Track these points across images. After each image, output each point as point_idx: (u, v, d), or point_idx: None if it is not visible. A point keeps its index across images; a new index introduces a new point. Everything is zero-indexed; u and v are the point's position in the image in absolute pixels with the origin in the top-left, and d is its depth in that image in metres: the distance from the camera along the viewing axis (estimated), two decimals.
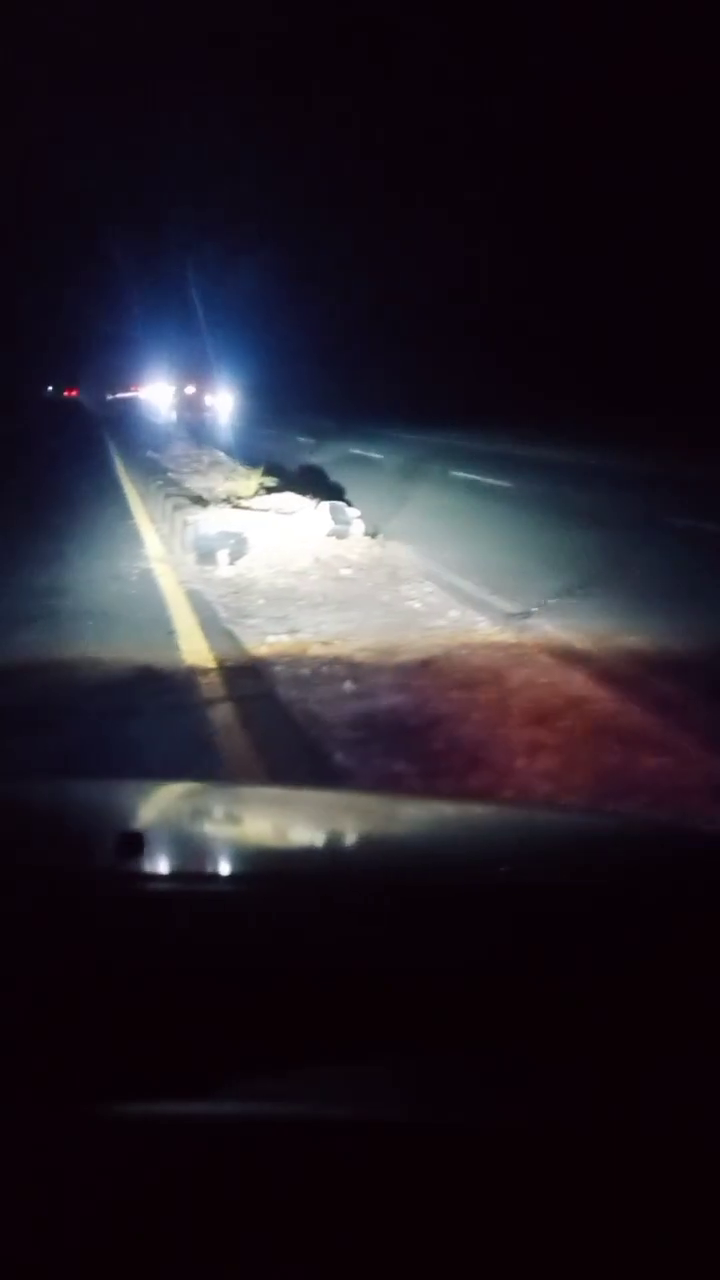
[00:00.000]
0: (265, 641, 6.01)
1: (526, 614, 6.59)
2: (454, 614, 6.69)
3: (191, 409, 32.96)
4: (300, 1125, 0.70)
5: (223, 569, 8.04)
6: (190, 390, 34.99)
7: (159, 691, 4.97)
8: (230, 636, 6.17)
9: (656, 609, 6.67)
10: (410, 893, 1.02)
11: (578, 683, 5.18)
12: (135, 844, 1.04)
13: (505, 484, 15.23)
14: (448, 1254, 0.62)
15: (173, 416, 32.75)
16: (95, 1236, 0.63)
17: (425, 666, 5.60)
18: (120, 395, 50.64)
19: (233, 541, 8.36)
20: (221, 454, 18.95)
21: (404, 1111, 0.73)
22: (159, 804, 1.54)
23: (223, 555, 8.17)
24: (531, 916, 0.97)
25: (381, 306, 32.11)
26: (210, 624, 6.47)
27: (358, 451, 19.82)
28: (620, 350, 22.55)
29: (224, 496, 11.10)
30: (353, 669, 5.47)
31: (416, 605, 6.98)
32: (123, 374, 50.64)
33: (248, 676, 5.38)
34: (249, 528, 8.89)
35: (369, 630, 6.25)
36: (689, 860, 1.21)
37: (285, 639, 6.07)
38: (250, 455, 16.62)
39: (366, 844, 1.37)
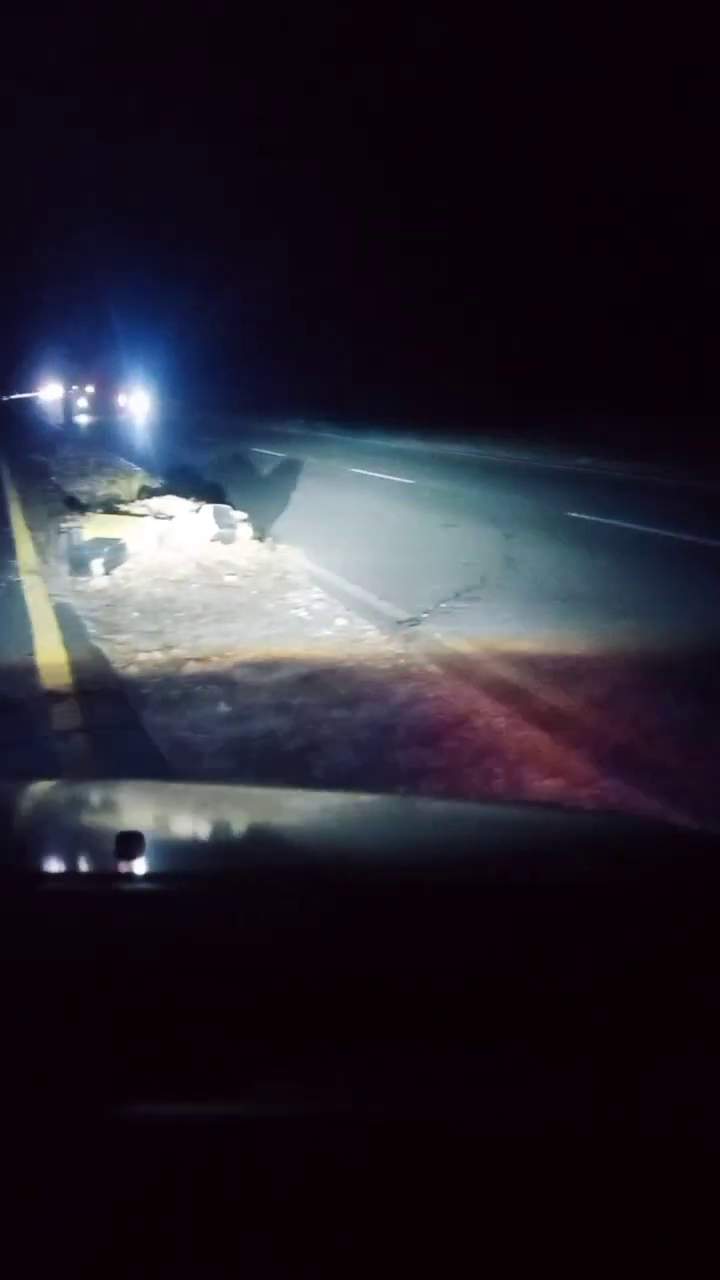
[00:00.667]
0: (135, 660, 5.55)
1: (416, 621, 6.25)
2: (341, 623, 6.32)
3: (101, 411, 31.83)
4: (300, 1125, 0.70)
5: (97, 579, 7.53)
6: (92, 391, 33.80)
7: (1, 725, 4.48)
8: (97, 655, 5.70)
9: (549, 611, 6.41)
10: (410, 893, 1.01)
11: (466, 697, 4.86)
12: (135, 844, 1.03)
13: (408, 481, 14.96)
14: (448, 1254, 0.62)
15: (74, 418, 31.75)
16: (96, 1237, 0.62)
17: (307, 683, 5.23)
18: (17, 397, 49.20)
19: (108, 549, 7.85)
20: (114, 456, 18.29)
21: (404, 1111, 0.72)
22: (159, 804, 1.53)
23: (97, 564, 7.66)
24: (531, 916, 0.97)
25: (306, 305, 31.56)
26: (75, 642, 5.97)
27: (262, 450, 19.35)
28: (553, 347, 22.44)
29: (103, 500, 10.54)
30: (229, 688, 5.07)
31: (303, 614, 6.59)
32: (22, 375, 49.09)
33: (110, 702, 4.92)
34: (129, 534, 8.38)
35: (250, 643, 5.85)
36: (689, 860, 1.20)
37: (158, 656, 5.62)
38: (151, 457, 16.06)
39: (366, 844, 1.35)
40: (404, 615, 6.37)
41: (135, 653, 5.67)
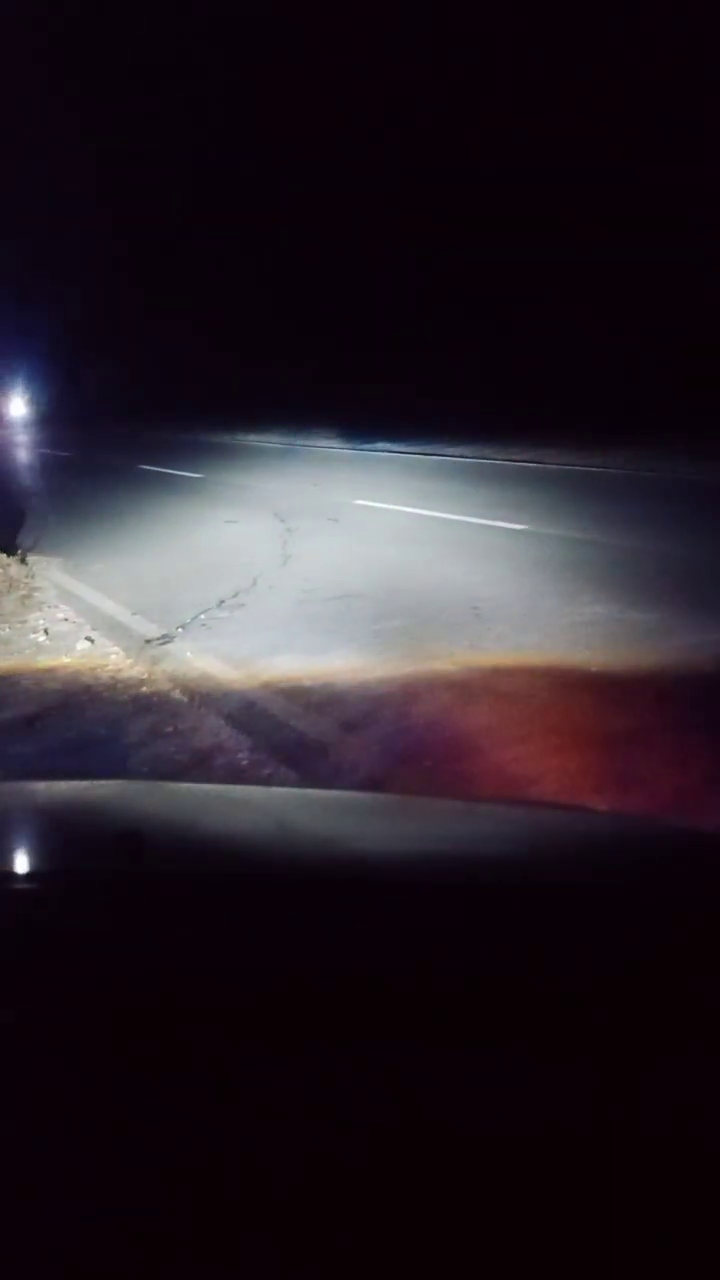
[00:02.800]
0: None
1: (168, 638, 5.52)
2: (84, 645, 5.54)
3: None
4: (300, 1125, 0.69)
5: None
6: None
7: None
8: None
9: (318, 615, 5.80)
10: (410, 893, 1.02)
11: (207, 730, 4.19)
12: (135, 844, 1.04)
13: (197, 475, 14.17)
14: (447, 1254, 0.61)
15: None
16: (96, 1237, 0.62)
17: (31, 725, 4.45)
18: None
19: None
20: None
21: (404, 1111, 0.71)
22: (159, 804, 1.52)
23: None
24: (531, 916, 0.97)
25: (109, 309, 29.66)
26: None
27: (44, 451, 18.08)
28: (358, 334, 21.74)
29: None
30: None
31: (41, 638, 5.77)
32: None
33: None
34: None
35: None
36: (689, 860, 1.20)
37: None
38: None
39: (367, 844, 1.33)
40: (156, 632, 5.64)
41: None
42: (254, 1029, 0.79)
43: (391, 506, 9.66)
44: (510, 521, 8.28)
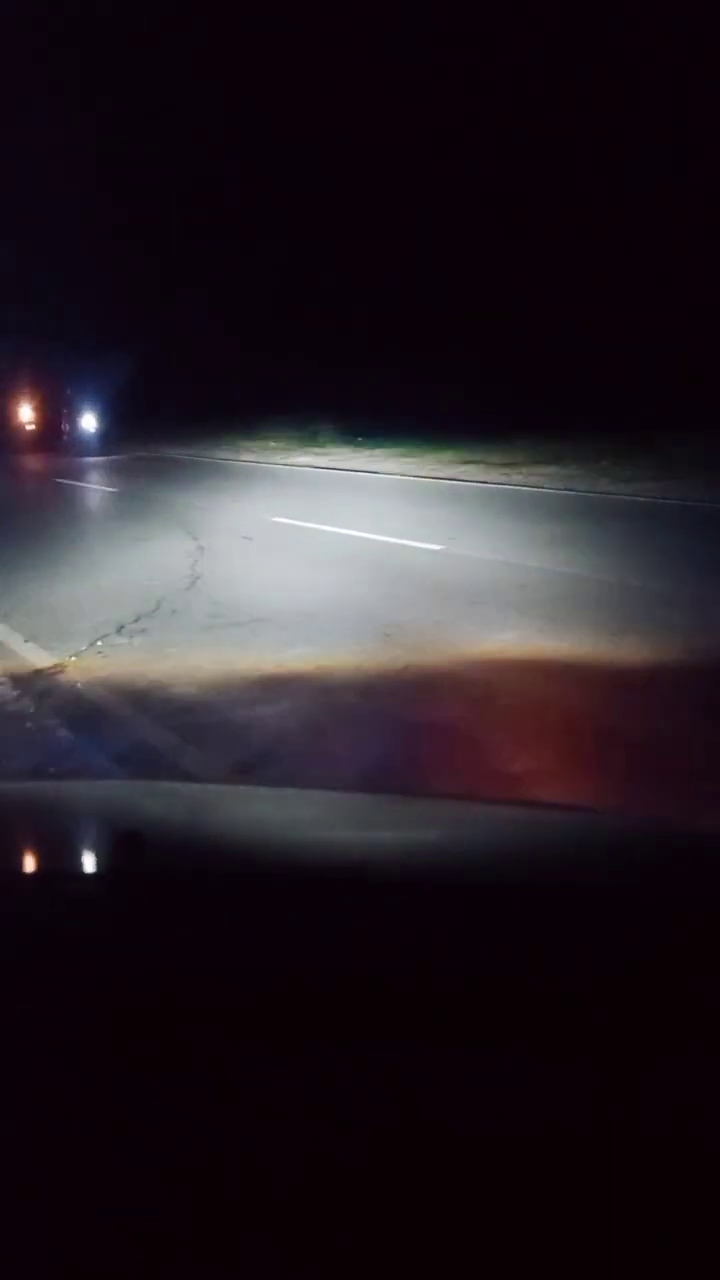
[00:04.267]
0: None
1: (61, 667, 5.18)
2: None
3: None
4: (300, 1125, 0.69)
5: None
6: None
7: None
8: None
9: (223, 642, 5.51)
10: (410, 893, 1.01)
11: (94, 772, 3.87)
12: (135, 844, 1.04)
13: (111, 489, 13.77)
14: (447, 1255, 0.61)
15: None
16: (96, 1237, 0.62)
17: None
18: None
19: None
20: None
21: (404, 1111, 0.71)
22: (159, 804, 1.52)
23: None
24: (531, 916, 0.96)
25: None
26: None
27: None
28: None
29: None
30: None
31: None
32: None
33: None
34: None
35: None
36: (689, 860, 1.19)
37: None
38: None
39: (366, 844, 1.32)
40: (48, 661, 5.28)
41: None
42: (254, 1029, 0.78)
43: (311, 525, 9.40)
44: (428, 541, 8.09)
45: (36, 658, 5.36)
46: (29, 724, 4.43)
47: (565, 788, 3.43)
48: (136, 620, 6.06)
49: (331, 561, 7.63)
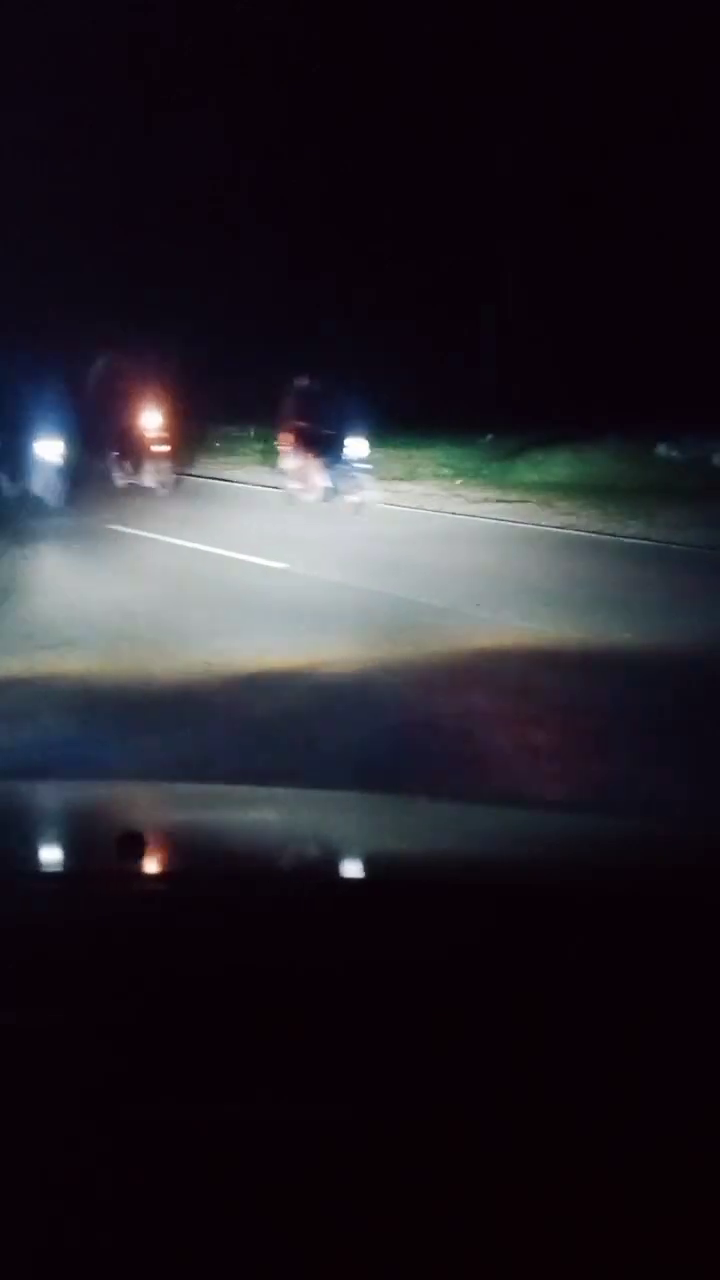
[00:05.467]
0: None
1: None
2: None
3: None
4: (300, 1125, 0.70)
5: None
6: None
7: None
8: None
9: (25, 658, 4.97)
10: (410, 892, 1.03)
11: None
12: (135, 844, 1.03)
13: None
14: (448, 1255, 0.62)
15: None
16: (96, 1237, 0.62)
17: None
18: None
19: None
20: None
21: (404, 1111, 0.71)
22: (159, 804, 1.52)
23: None
24: (532, 917, 0.97)
25: None
26: None
27: None
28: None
29: None
30: None
31: None
32: None
33: None
34: None
35: None
36: (689, 860, 1.19)
37: None
38: None
39: (367, 844, 1.33)
40: None
41: None
42: (254, 1028, 0.78)
43: (147, 534, 8.87)
44: (271, 559, 7.68)
45: None
46: None
47: None
48: None
49: (163, 575, 7.14)
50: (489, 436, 13.43)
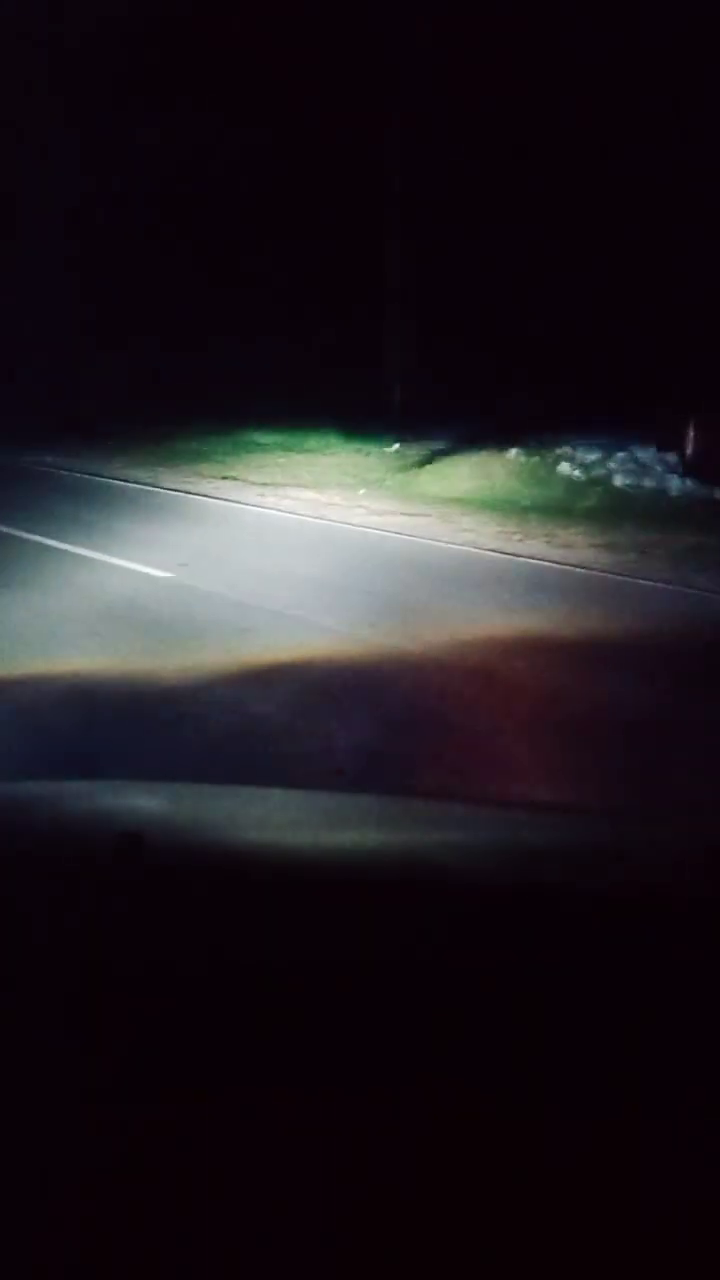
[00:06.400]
0: None
1: None
2: None
3: None
4: (300, 1124, 0.70)
5: None
6: None
7: None
8: None
9: None
10: (410, 893, 1.03)
11: None
12: (135, 844, 1.05)
13: None
14: (448, 1255, 0.62)
15: None
16: (96, 1237, 0.62)
17: None
18: None
19: None
20: None
21: (404, 1111, 0.71)
22: (159, 804, 1.53)
23: None
24: (532, 917, 0.97)
25: None
26: None
27: None
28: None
29: None
30: None
31: None
32: None
33: None
34: None
35: None
36: (689, 860, 1.19)
37: None
38: None
39: (367, 845, 1.33)
40: None
41: None
42: (253, 1029, 0.78)
43: (25, 535, 8.52)
44: (159, 568, 7.41)
45: None
46: None
47: None
48: None
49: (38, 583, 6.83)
50: (396, 446, 13.35)
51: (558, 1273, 0.61)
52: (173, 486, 11.60)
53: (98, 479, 12.09)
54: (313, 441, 14.09)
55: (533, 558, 8.62)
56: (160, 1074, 0.74)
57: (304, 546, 8.83)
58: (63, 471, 12.51)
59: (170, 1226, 0.63)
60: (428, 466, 12.42)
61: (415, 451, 12.99)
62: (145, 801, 1.54)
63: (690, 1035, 0.79)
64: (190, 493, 11.36)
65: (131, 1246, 0.62)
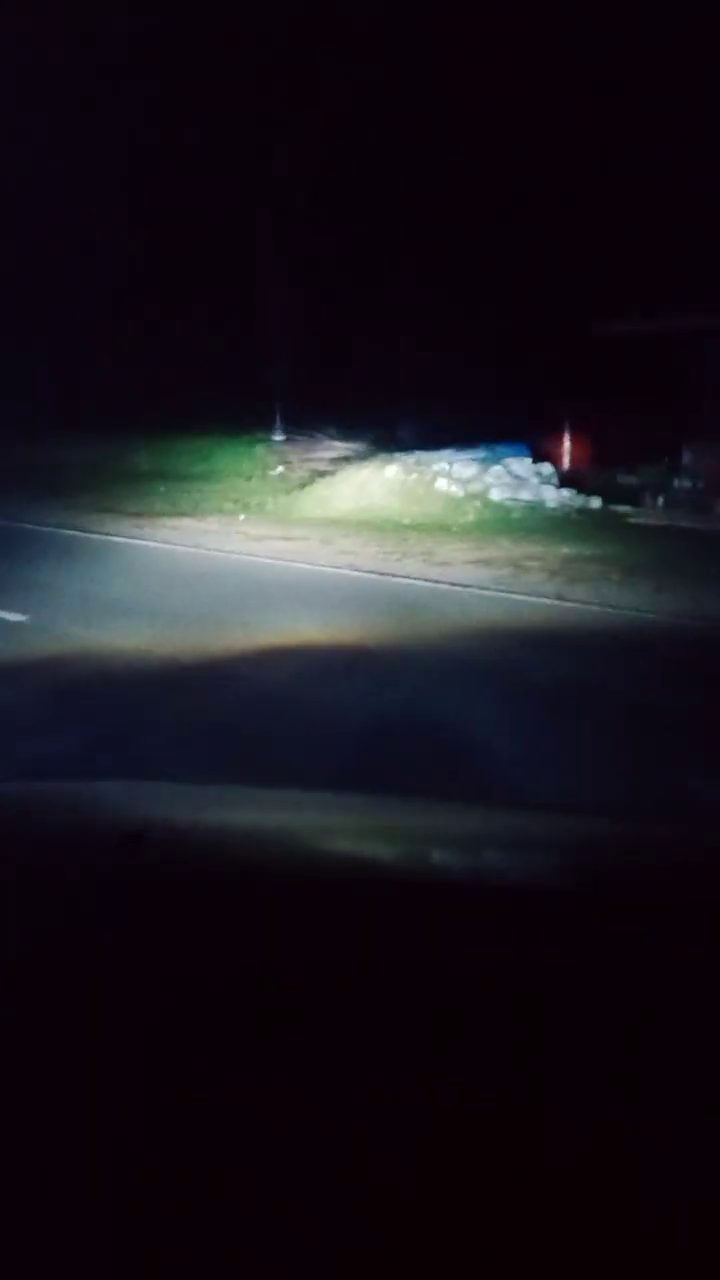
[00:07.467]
0: None
1: None
2: None
3: None
4: (300, 1124, 0.69)
5: None
6: None
7: None
8: None
9: None
10: (410, 893, 1.04)
11: None
12: (135, 844, 1.06)
13: None
14: (448, 1256, 0.62)
15: None
16: (96, 1237, 0.62)
17: None
18: None
19: None
20: None
21: (404, 1111, 0.71)
22: (159, 804, 1.52)
23: None
24: (532, 917, 0.98)
25: None
26: None
27: None
28: None
29: None
30: None
31: None
32: None
33: None
34: None
35: None
36: (689, 861, 1.19)
37: None
38: None
39: (367, 844, 1.33)
40: None
41: None
42: (253, 1030, 0.78)
43: None
44: (11, 610, 7.08)
45: None
46: None
47: None
48: None
49: None
50: (279, 469, 13.20)
51: (558, 1273, 0.60)
52: (42, 523, 11.20)
53: None
54: (195, 467, 13.84)
55: (409, 577, 8.52)
56: (160, 1074, 0.74)
57: (173, 579, 8.57)
58: None
59: (170, 1226, 0.62)
60: (309, 488, 12.29)
61: (297, 475, 12.84)
62: (145, 801, 1.55)
63: (691, 1035, 0.79)
64: (61, 528, 10.98)
65: (131, 1246, 0.61)
